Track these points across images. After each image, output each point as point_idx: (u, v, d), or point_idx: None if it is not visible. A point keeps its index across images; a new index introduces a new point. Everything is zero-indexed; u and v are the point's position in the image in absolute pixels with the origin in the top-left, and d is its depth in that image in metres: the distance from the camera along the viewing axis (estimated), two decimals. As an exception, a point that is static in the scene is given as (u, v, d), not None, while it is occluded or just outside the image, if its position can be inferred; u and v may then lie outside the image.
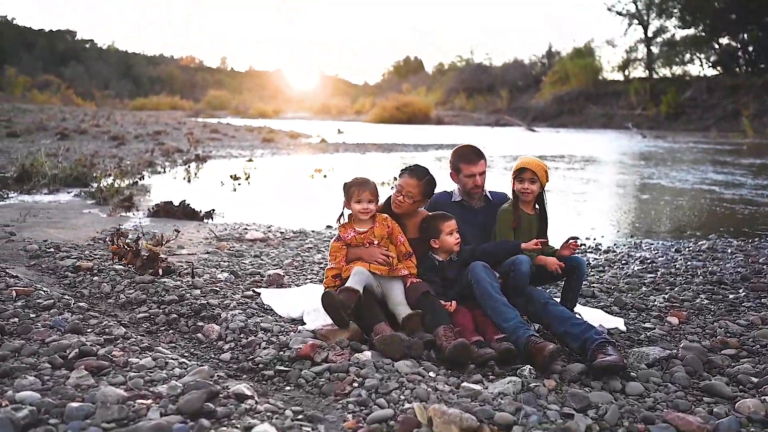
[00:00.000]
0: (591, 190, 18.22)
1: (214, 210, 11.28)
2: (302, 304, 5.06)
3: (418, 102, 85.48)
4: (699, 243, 10.44)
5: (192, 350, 4.32)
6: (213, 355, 4.24)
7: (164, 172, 18.59)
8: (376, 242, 4.84)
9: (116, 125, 39.57)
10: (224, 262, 7.15)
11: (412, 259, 4.96)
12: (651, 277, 7.75)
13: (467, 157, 5.13)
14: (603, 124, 73.67)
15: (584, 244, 10.16)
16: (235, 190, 15.72)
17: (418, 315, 4.48)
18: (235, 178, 17.07)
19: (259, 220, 11.04)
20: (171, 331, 4.63)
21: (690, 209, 15.01)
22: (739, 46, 77.64)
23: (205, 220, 10.93)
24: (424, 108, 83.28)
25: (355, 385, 3.69)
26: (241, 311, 4.91)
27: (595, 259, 9.07)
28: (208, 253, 7.70)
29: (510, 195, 5.31)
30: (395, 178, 5.08)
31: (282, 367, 3.92)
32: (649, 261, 8.85)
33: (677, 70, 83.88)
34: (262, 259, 7.49)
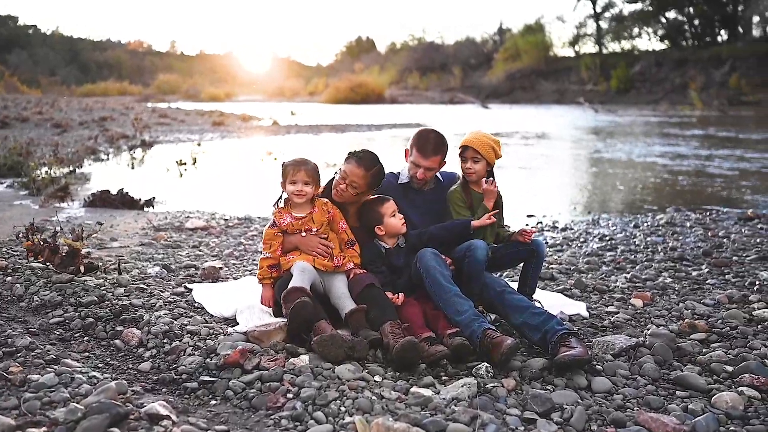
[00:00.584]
0: (545, 166, 17.97)
1: (154, 198, 10.69)
2: (236, 301, 4.59)
3: (372, 82, 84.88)
4: (657, 217, 10.20)
5: (108, 360, 3.82)
6: (131, 365, 3.75)
7: (107, 159, 17.83)
8: (314, 229, 4.39)
9: (60, 112, 38.30)
10: (158, 254, 6.63)
11: (355, 247, 4.52)
12: (611, 255, 7.45)
13: (423, 147, 4.67)
14: (555, 99, 74.07)
15: (540, 222, 9.86)
16: (181, 175, 15.08)
17: (361, 310, 4.05)
18: (181, 163, 16.42)
19: (203, 207, 10.50)
20: (86, 338, 4.12)
21: (645, 183, 14.82)
22: (685, 19, 78.47)
23: (145, 209, 10.35)
24: (378, 88, 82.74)
25: (290, 396, 3.25)
26: (167, 312, 4.42)
27: (552, 237, 8.75)
28: (142, 245, 7.16)
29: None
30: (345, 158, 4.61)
31: (207, 378, 3.46)
32: (608, 238, 8.56)
33: (626, 44, 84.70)
34: (200, 250, 6.99)
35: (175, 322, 4.22)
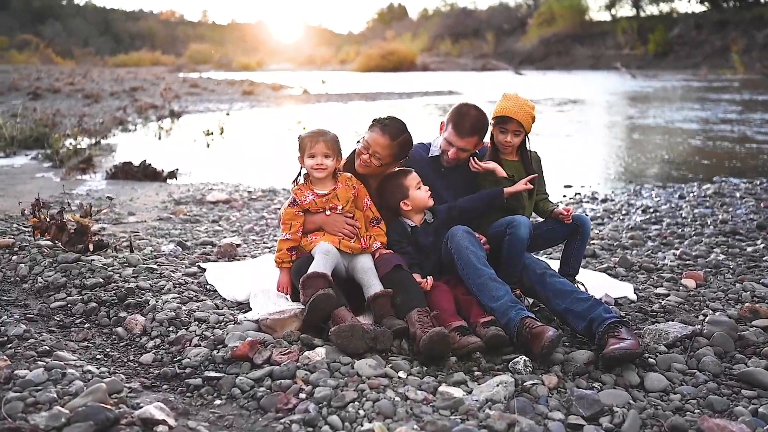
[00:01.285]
0: (581, 134, 17.33)
1: (177, 169, 10.39)
2: (250, 283, 4.23)
3: (403, 49, 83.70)
4: (703, 187, 9.64)
5: (108, 350, 3.50)
6: (132, 357, 3.42)
7: (135, 130, 17.59)
8: (339, 207, 3.99)
9: (92, 83, 38.23)
10: (175, 230, 6.30)
11: (381, 225, 4.12)
12: (656, 229, 6.97)
13: (459, 125, 4.22)
14: (591, 65, 72.60)
15: (579, 194, 9.36)
16: (207, 146, 14.79)
17: (386, 295, 3.66)
18: (208, 133, 16.10)
19: (227, 179, 10.17)
20: (87, 325, 3.80)
21: (687, 150, 14.17)
22: (727, -21, 76.08)
23: (168, 181, 10.05)
24: (410, 55, 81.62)
25: (303, 395, 2.88)
26: (176, 296, 4.08)
27: (592, 210, 8.29)
28: (160, 219, 6.85)
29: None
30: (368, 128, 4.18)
31: (213, 373, 3.10)
32: (651, 210, 8.06)
33: (664, 7, 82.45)
34: (219, 225, 6.66)
35: (183, 307, 3.88)
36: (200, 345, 3.38)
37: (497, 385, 2.95)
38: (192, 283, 4.42)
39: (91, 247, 4.93)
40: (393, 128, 4.05)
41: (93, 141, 13.79)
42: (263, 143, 15.19)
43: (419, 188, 4.08)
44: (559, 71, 68.34)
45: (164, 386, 3.07)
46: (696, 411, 2.95)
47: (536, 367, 3.34)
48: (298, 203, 3.99)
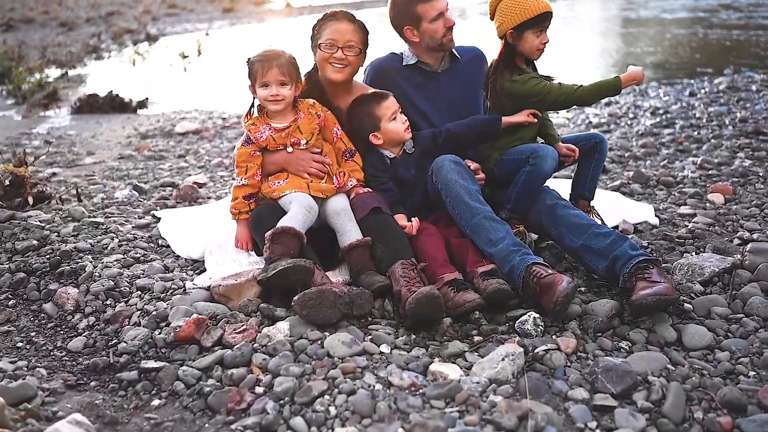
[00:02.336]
0: (574, 29, 16.38)
1: (148, 99, 9.65)
2: (207, 236, 3.59)
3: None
4: (715, 82, 8.92)
5: (32, 335, 2.91)
6: (60, 342, 2.83)
7: (109, 57, 16.68)
8: (304, 141, 3.32)
9: (67, 10, 36.74)
10: (136, 170, 5.66)
11: (355, 158, 3.46)
12: (669, 134, 6.32)
13: None
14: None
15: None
16: (185, 70, 13.96)
17: (364, 245, 3.05)
18: (184, 56, 15.23)
19: (202, 106, 9.44)
20: (13, 301, 3.19)
21: (693, 42, 13.30)
22: None
23: (138, 112, 9.33)
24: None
25: (260, 389, 2.30)
26: (119, 257, 3.46)
27: (595, 115, 7.62)
28: (121, 158, 6.20)
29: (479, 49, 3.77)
30: (312, 34, 3.46)
31: (151, 363, 2.52)
32: (661, 111, 7.39)
33: None
34: (186, 160, 6.00)
35: (125, 272, 3.27)
36: (140, 324, 2.78)
37: (502, 359, 2.36)
38: (141, 238, 3.80)
39: (30, 200, 4.29)
40: (346, 13, 3.46)
41: (61, 73, 12.96)
42: (242, 64, 14.33)
43: (394, 118, 3.39)
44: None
45: (92, 382, 2.49)
46: (751, 374, 2.37)
47: (548, 324, 2.75)
48: (253, 141, 3.32)
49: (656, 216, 3.99)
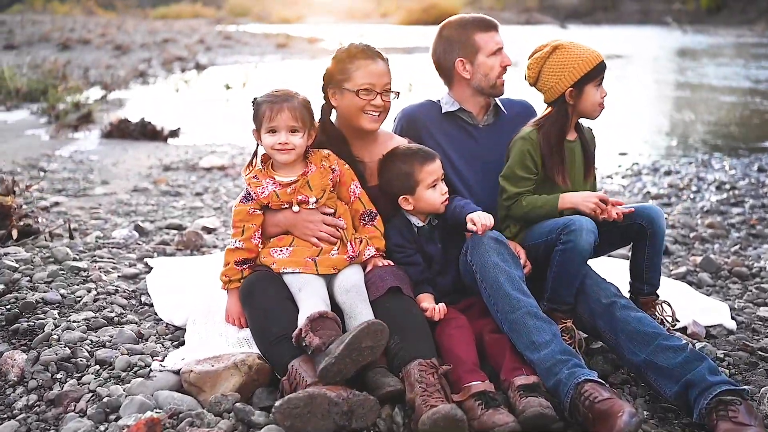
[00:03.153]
0: (632, 93, 15.75)
1: (180, 128, 9.25)
2: (195, 299, 3.04)
3: (444, 3, 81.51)
4: (787, 158, 8.22)
5: (-39, 411, 2.36)
6: (-12, 426, 2.28)
7: (154, 82, 16.51)
8: (313, 200, 2.77)
9: (125, 34, 37.29)
10: (146, 205, 5.19)
11: (376, 223, 2.90)
12: (739, 214, 5.66)
13: (481, 24, 3.06)
14: (639, 20, 69.80)
15: (636, 164, 8.00)
16: (227, 101, 13.63)
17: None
18: (228, 87, 14.94)
19: (235, 140, 9.00)
20: (-45, 362, 2.67)
21: (756, 113, 12.59)
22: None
23: (169, 141, 8.93)
24: (451, 9, 79.02)
25: None
26: (89, 317, 2.93)
27: (654, 184, 6.96)
28: (135, 191, 5.74)
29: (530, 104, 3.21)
30: (333, 76, 2.94)
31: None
32: (728, 186, 6.72)
33: (721, -40, 78.50)
34: (202, 199, 5.51)
35: (90, 337, 2.73)
36: (85, 413, 2.23)
37: None
38: (123, 292, 3.27)
39: (14, 234, 3.82)
40: (376, 50, 2.97)
41: (101, 95, 12.72)
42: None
43: (434, 185, 2.83)
44: (606, 25, 65.60)
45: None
46: None
47: (602, 464, 2.12)
48: (253, 197, 2.78)
49: (732, 318, 3.35)
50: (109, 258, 3.75)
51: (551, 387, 2.34)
